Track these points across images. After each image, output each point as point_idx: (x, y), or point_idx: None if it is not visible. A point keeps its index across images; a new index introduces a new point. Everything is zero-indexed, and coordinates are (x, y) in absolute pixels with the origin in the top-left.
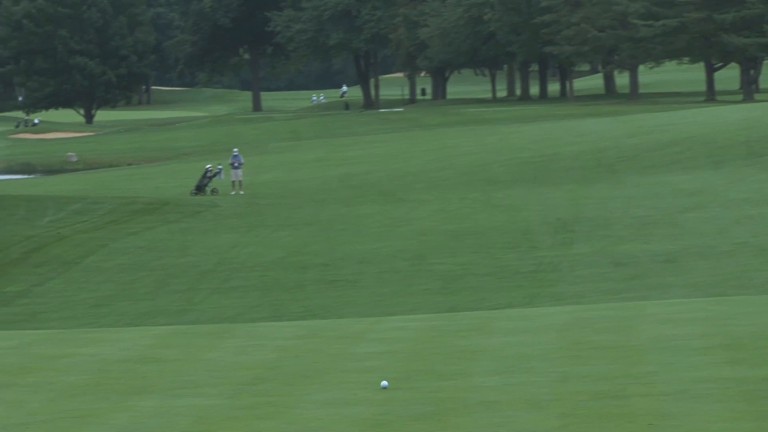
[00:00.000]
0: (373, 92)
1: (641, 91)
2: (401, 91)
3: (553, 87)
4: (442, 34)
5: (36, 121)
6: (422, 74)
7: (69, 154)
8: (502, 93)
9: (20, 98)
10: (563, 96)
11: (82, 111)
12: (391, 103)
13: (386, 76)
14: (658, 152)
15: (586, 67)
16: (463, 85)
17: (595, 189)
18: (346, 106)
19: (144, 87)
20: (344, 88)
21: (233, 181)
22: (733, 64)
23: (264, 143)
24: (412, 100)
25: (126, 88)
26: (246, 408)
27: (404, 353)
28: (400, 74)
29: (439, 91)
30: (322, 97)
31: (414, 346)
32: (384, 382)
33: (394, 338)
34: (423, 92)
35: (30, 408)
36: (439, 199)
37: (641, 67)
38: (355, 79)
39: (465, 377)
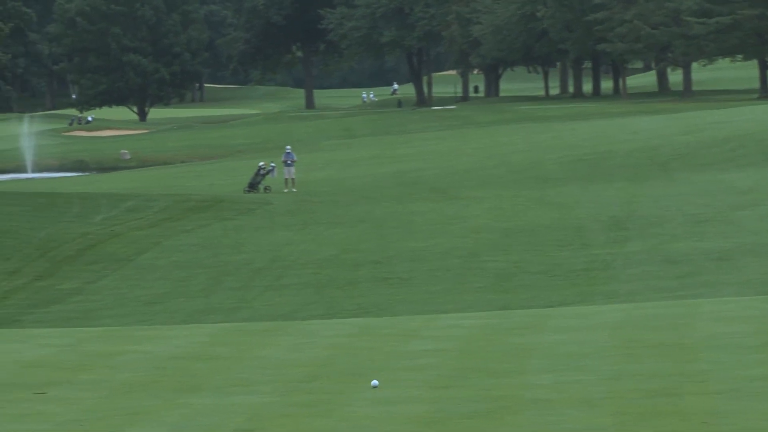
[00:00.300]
0: (425, 89)
1: (694, 88)
2: (454, 89)
3: (606, 84)
4: (495, 31)
5: (89, 118)
6: (475, 71)
7: (122, 151)
8: (555, 90)
9: (74, 96)
10: (616, 93)
11: (135, 108)
12: (444, 101)
13: (439, 73)
14: (711, 150)
15: (639, 65)
16: (515, 83)
17: (648, 187)
18: (399, 104)
19: (197, 84)
20: (395, 85)
21: (286, 179)
22: None
23: (317, 141)
24: (464, 98)
25: (179, 86)
26: (299, 405)
27: (457, 351)
28: (453, 71)
29: (492, 88)
30: (372, 95)
31: (467, 343)
32: (374, 381)
33: (447, 336)
34: (476, 89)
35: (84, 405)
36: (492, 196)
37: (694, 65)
38: (408, 76)
39: (518, 375)
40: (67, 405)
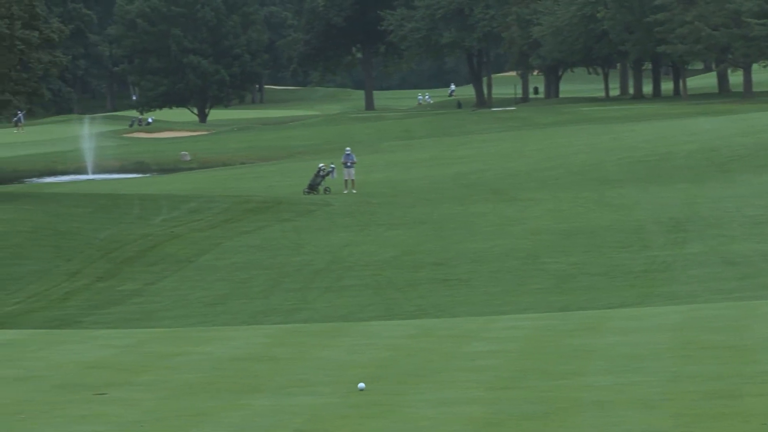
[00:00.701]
0: (485, 91)
1: (755, 89)
2: (514, 90)
3: (667, 85)
4: (555, 33)
5: (150, 120)
6: (535, 73)
7: (182, 153)
8: (614, 92)
9: (134, 97)
10: (676, 95)
11: (195, 110)
12: (504, 102)
13: (499, 74)
14: None
15: (699, 66)
16: (575, 84)
17: (708, 188)
18: (459, 105)
19: (257, 86)
20: (452, 86)
21: (346, 180)
22: None
23: (376, 142)
24: (524, 99)
25: (239, 87)
26: (358, 407)
27: (517, 352)
28: (513, 73)
29: (552, 89)
30: (428, 97)
31: (526, 345)
32: (361, 384)
33: (507, 337)
34: (536, 91)
35: (145, 406)
36: (552, 198)
37: (755, 66)
38: (468, 77)
39: (577, 377)
40: (128, 406)
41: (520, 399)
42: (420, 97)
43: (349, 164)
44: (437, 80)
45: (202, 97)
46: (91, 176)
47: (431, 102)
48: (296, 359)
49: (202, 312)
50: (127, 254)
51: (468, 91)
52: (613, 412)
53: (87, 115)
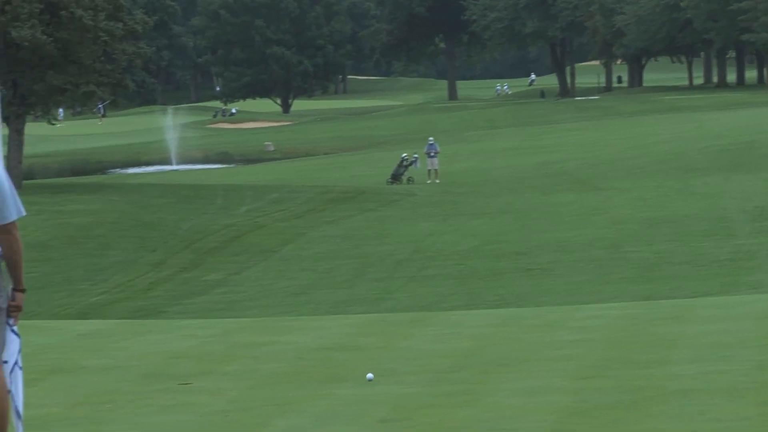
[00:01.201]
0: (568, 80)
1: None
2: (597, 79)
3: (751, 74)
4: (639, 21)
5: (233, 110)
6: (618, 62)
7: (266, 143)
8: (698, 80)
9: (218, 88)
10: (761, 83)
11: (278, 100)
12: (587, 91)
13: (582, 63)
14: None
15: None
16: (659, 73)
17: None
18: (542, 95)
19: (340, 76)
20: (532, 76)
21: (429, 170)
22: None
23: (459, 132)
24: (608, 88)
25: (322, 78)
26: (443, 396)
27: (601, 341)
28: (596, 62)
29: (636, 78)
30: (506, 87)
31: (611, 334)
32: (369, 375)
33: (591, 326)
34: (619, 80)
35: (230, 396)
36: (635, 187)
37: None
38: (551, 67)
39: (662, 365)
40: (213, 396)
41: (605, 388)
42: (498, 87)
43: (432, 154)
44: (520, 70)
45: (285, 87)
46: (174, 167)
47: (509, 92)
48: (381, 348)
49: (286, 302)
50: (211, 245)
51: (551, 81)
52: (698, 401)
53: (170, 106)
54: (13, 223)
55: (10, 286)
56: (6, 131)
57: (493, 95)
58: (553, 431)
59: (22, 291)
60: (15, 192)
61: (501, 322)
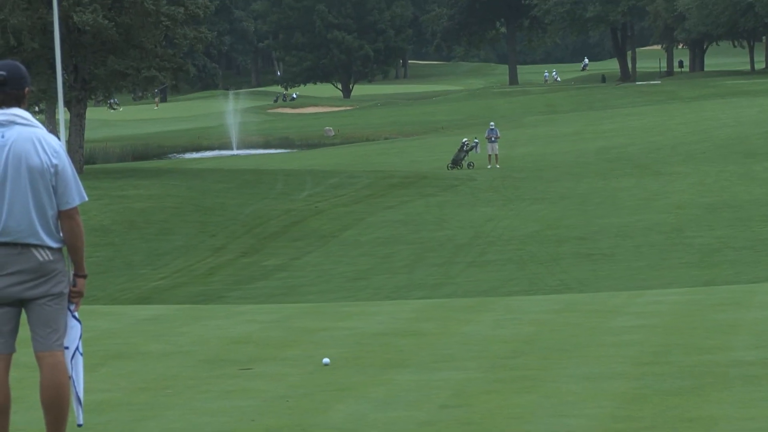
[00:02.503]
0: (629, 65)
1: None
2: (658, 64)
3: None
4: (701, 6)
5: (294, 95)
6: (680, 46)
7: (326, 128)
8: (760, 65)
9: (279, 73)
10: None
11: (339, 85)
12: (648, 76)
13: (643, 48)
14: None
15: None
16: (720, 57)
17: None
18: (603, 79)
19: (401, 61)
20: (586, 60)
21: (489, 155)
22: None
23: (520, 117)
24: (669, 73)
25: (383, 63)
26: (503, 381)
27: (662, 327)
28: (657, 46)
29: (697, 63)
30: (554, 73)
31: (671, 319)
32: (326, 359)
33: (652, 312)
34: (680, 64)
35: (290, 381)
36: (696, 172)
37: None
38: (612, 51)
39: (723, 351)
40: (273, 381)
41: (665, 374)
42: (546, 74)
43: (493, 139)
44: (581, 54)
45: (346, 72)
46: (235, 152)
47: (558, 80)
48: (440, 334)
49: (346, 287)
50: (271, 230)
51: (612, 65)
52: (760, 387)
53: (231, 91)
54: (75, 208)
55: (72, 272)
56: (67, 116)
57: (560, 79)
58: (613, 417)
59: (84, 277)
60: (77, 177)
61: (561, 307)
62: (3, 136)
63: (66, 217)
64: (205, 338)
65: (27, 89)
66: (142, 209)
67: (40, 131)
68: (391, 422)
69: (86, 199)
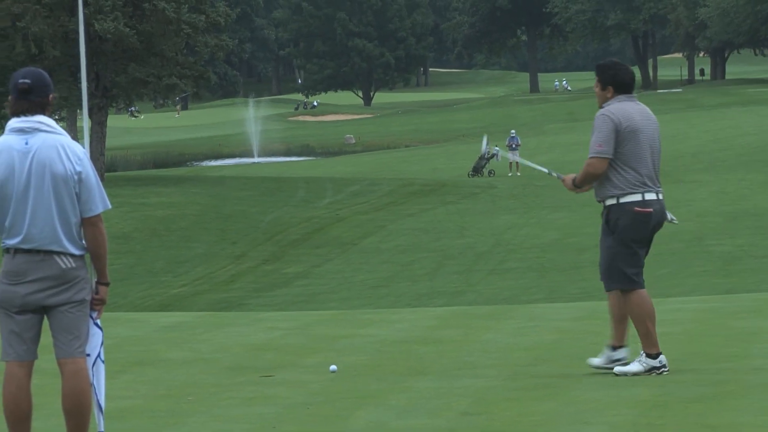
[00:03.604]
0: (651, 72)
1: None
2: (680, 72)
3: None
4: (722, 14)
5: (315, 103)
6: (701, 54)
7: (347, 135)
8: None
9: (299, 80)
10: None
11: (360, 93)
12: (669, 84)
13: (664, 56)
14: None
15: None
16: (742, 65)
17: None
18: None
19: (421, 69)
20: None
21: (510, 163)
22: None
23: (541, 124)
24: (690, 81)
25: (404, 70)
26: (524, 389)
27: (682, 335)
28: (679, 54)
29: (718, 71)
30: (564, 82)
31: (692, 327)
32: (333, 366)
33: (673, 320)
34: (702, 72)
35: (311, 388)
36: (718, 180)
37: None
38: (633, 59)
39: (744, 359)
40: (294, 388)
41: (686, 381)
42: (557, 83)
43: (513, 146)
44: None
45: (367, 80)
46: (256, 159)
47: (569, 89)
48: (461, 342)
49: (367, 294)
50: (292, 237)
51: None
52: None
53: (252, 99)
54: (98, 215)
55: (94, 279)
56: (88, 123)
57: (580, 87)
58: (634, 424)
59: (106, 284)
60: (101, 184)
61: (582, 315)
62: (27, 143)
63: (89, 224)
64: (226, 345)
65: (51, 96)
66: (163, 217)
67: (65, 138)
68: (412, 430)
69: (109, 206)
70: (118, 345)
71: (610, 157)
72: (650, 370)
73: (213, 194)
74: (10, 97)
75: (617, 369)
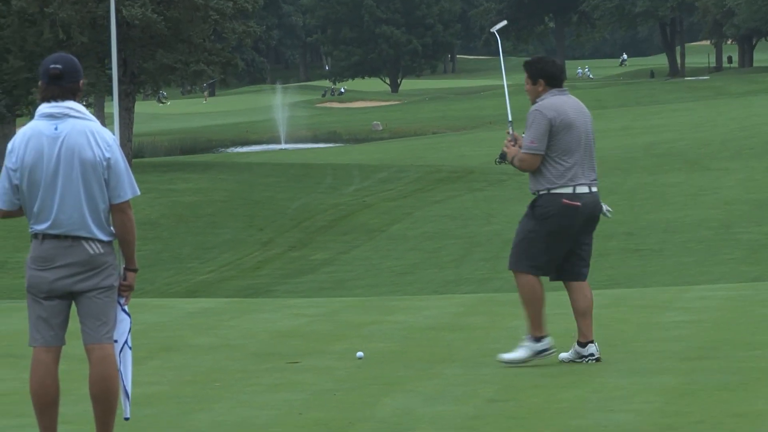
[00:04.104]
0: (678, 60)
1: None
2: (707, 59)
3: None
4: (750, 1)
5: (342, 89)
6: (729, 42)
7: (374, 122)
8: None
9: (327, 67)
10: None
11: (387, 80)
12: (697, 71)
13: (692, 43)
14: None
15: None
16: None
17: None
18: (651, 74)
19: (449, 56)
20: (624, 56)
21: None
22: None
23: None
24: (718, 68)
25: (431, 57)
26: (551, 376)
27: (710, 323)
28: (706, 42)
29: (746, 58)
30: (587, 69)
31: (719, 315)
32: (359, 353)
33: (700, 308)
34: (729, 60)
35: (337, 375)
36: (745, 167)
37: None
38: (661, 46)
39: None
40: (321, 374)
41: (714, 369)
42: (579, 70)
43: None
44: (631, 49)
45: (394, 66)
46: (283, 146)
47: (591, 76)
48: (488, 328)
49: (393, 281)
50: (319, 224)
51: (660, 61)
52: None
53: (279, 85)
54: (127, 202)
55: (123, 266)
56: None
57: (607, 74)
58: (661, 412)
59: (134, 271)
60: (130, 171)
61: (609, 302)
62: (56, 129)
63: (118, 210)
64: (252, 332)
65: (82, 82)
66: (191, 203)
67: (94, 125)
68: (439, 416)
69: (138, 193)
70: (144, 331)
71: (542, 153)
72: (536, 353)
73: (240, 180)
74: (40, 83)
75: (503, 357)
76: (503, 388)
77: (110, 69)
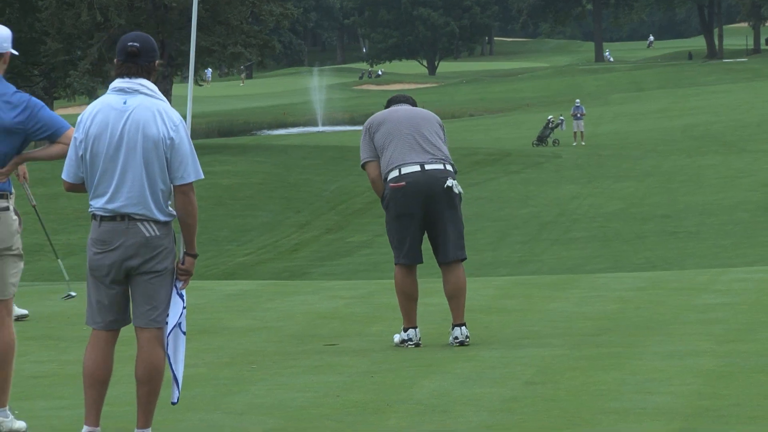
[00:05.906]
0: (716, 42)
1: None
2: (745, 41)
3: None
4: None
5: (379, 72)
6: (767, 24)
7: None
8: None
9: (364, 50)
10: None
11: (425, 62)
12: (735, 53)
13: (730, 25)
14: None
15: None
16: None
17: None
18: (689, 56)
19: (486, 38)
20: (651, 38)
21: (575, 132)
22: None
23: (605, 94)
24: (756, 50)
25: (469, 39)
26: (588, 358)
27: (747, 305)
28: (744, 24)
29: None
30: (607, 53)
31: (757, 297)
32: (396, 336)
33: (737, 290)
34: (767, 42)
35: (375, 357)
36: None
37: None
38: (699, 28)
39: None
40: (358, 357)
41: (751, 352)
42: (607, 53)
43: (578, 116)
44: (669, 31)
45: (431, 49)
46: (320, 128)
47: (611, 59)
48: (525, 311)
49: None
50: (356, 206)
51: (698, 42)
52: None
53: (317, 68)
54: (189, 184)
55: (183, 250)
56: (192, 89)
57: (646, 56)
58: (699, 394)
59: (194, 256)
60: (195, 154)
61: (646, 285)
62: (125, 103)
63: (180, 192)
64: (290, 314)
65: (157, 62)
66: (229, 185)
67: (163, 104)
68: (476, 398)
69: (202, 176)
70: None
71: (372, 159)
72: (402, 341)
73: (278, 163)
74: (116, 60)
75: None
76: (540, 371)
77: None
